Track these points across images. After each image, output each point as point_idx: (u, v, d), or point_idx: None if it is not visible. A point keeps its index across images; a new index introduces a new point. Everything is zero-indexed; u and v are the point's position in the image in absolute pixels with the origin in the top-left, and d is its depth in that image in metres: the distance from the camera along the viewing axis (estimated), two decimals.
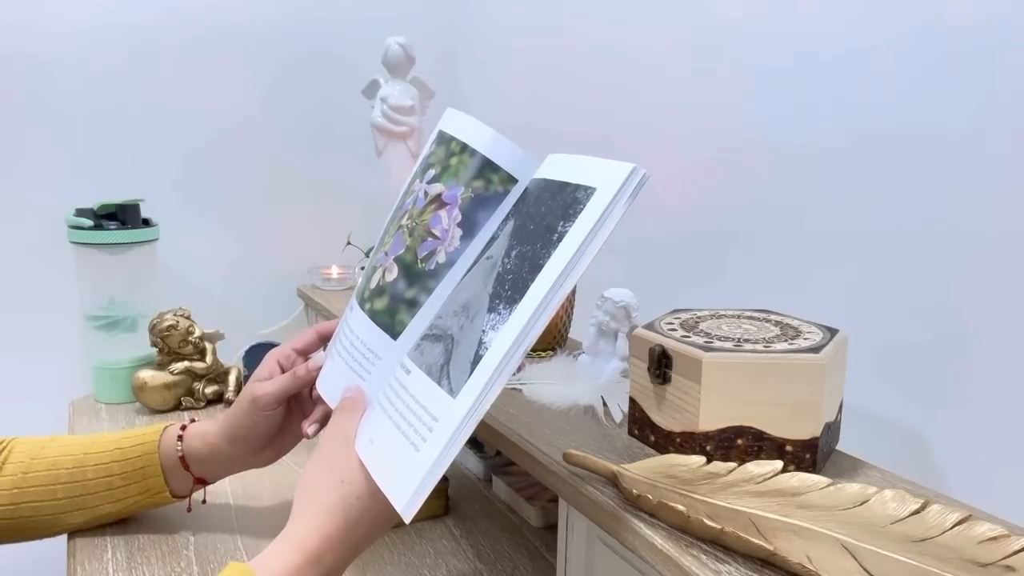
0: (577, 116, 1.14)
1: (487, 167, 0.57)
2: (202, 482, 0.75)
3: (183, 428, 0.74)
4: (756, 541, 0.47)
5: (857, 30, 0.73)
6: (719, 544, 0.49)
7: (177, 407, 1.10)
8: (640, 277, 1.02)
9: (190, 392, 1.11)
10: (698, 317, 0.68)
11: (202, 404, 1.11)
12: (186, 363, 1.10)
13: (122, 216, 1.12)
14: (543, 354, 0.89)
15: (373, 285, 0.61)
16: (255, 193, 1.38)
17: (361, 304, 0.62)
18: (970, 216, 0.65)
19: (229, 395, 1.13)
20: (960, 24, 0.64)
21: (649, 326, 0.65)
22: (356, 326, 0.61)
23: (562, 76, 1.18)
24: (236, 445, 0.71)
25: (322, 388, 0.64)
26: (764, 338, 0.61)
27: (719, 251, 0.91)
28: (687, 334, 0.62)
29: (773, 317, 0.67)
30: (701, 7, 0.91)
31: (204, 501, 0.79)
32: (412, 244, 0.59)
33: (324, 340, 0.70)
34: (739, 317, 0.67)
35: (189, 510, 0.76)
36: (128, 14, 1.24)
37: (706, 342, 0.59)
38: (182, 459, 0.72)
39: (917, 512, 0.46)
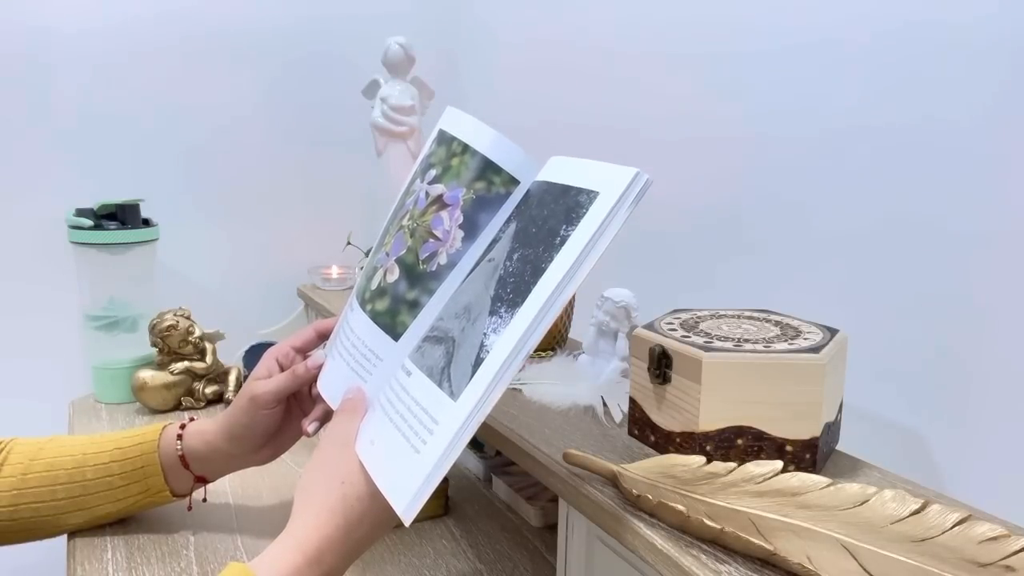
0: (577, 116, 1.14)
1: (489, 168, 0.57)
2: (202, 480, 0.75)
3: (182, 427, 0.74)
4: (756, 541, 0.47)
5: (856, 23, 0.73)
6: (719, 544, 0.49)
7: (177, 407, 1.11)
8: (640, 277, 1.02)
9: (190, 392, 1.11)
10: (698, 317, 0.68)
11: (202, 404, 1.12)
12: (186, 363, 1.10)
13: (122, 216, 1.12)
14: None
15: (374, 286, 0.60)
16: (255, 193, 1.38)
17: (362, 304, 0.62)
18: (970, 215, 0.65)
19: (229, 395, 1.13)
20: (963, 18, 0.64)
21: (649, 326, 0.65)
22: (357, 326, 0.61)
23: (562, 75, 1.18)
24: (235, 443, 0.71)
25: (322, 388, 0.64)
26: (764, 338, 0.61)
27: (719, 251, 0.91)
28: (687, 334, 0.62)
29: (773, 317, 0.67)
30: (701, 2, 0.91)
31: (204, 500, 0.79)
32: (414, 245, 0.58)
33: (323, 338, 0.70)
34: (739, 317, 0.67)
35: (190, 509, 0.76)
36: (128, 14, 1.24)
37: (706, 342, 0.59)
38: (182, 458, 0.72)
39: (917, 512, 0.46)
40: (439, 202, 0.58)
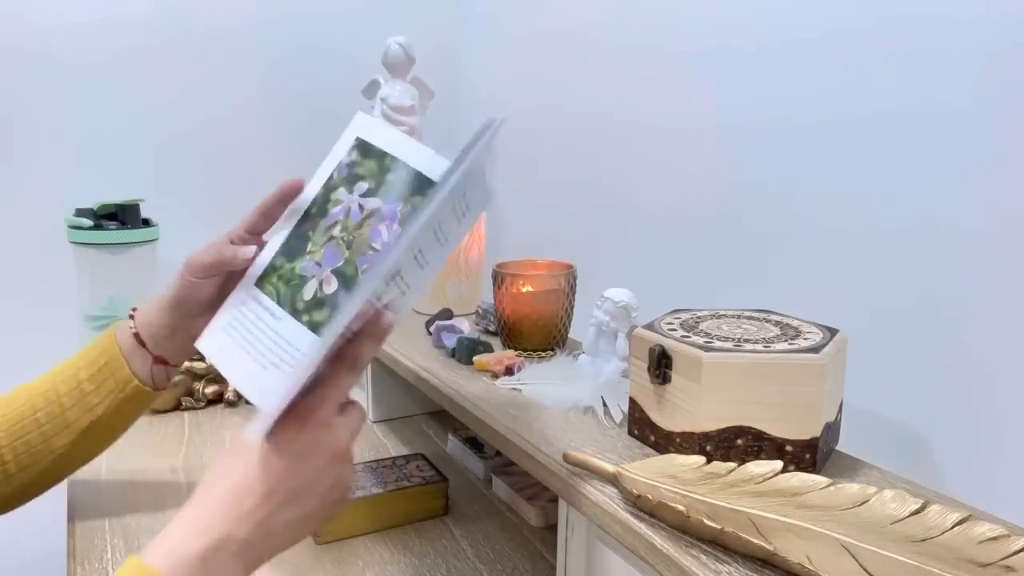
0: (578, 114, 1.14)
1: (426, 184, 0.61)
2: (163, 362, 0.74)
3: (135, 310, 0.75)
4: (756, 541, 0.47)
5: (858, 23, 0.73)
6: (719, 544, 0.49)
7: (177, 407, 1.10)
8: (640, 277, 1.02)
9: (190, 392, 1.11)
10: (698, 317, 0.68)
11: (202, 404, 1.11)
12: (186, 363, 1.10)
13: (122, 216, 1.12)
14: (543, 354, 0.89)
15: (309, 296, 0.62)
16: (255, 193, 1.37)
17: (296, 315, 0.62)
18: (970, 214, 0.65)
19: (229, 395, 1.13)
20: (965, 13, 0.64)
21: (649, 326, 0.65)
22: (293, 338, 0.61)
23: (563, 75, 1.18)
24: (175, 310, 0.71)
25: (253, 396, 0.62)
26: (764, 338, 0.61)
27: (719, 251, 0.91)
28: (687, 334, 0.62)
29: (773, 317, 0.67)
30: (704, 1, 0.91)
31: (174, 384, 0.76)
32: (351, 257, 0.61)
33: (269, 218, 0.70)
34: (739, 317, 0.67)
35: (155, 389, 0.75)
36: (129, 13, 1.24)
37: (706, 342, 0.60)
38: (136, 336, 0.73)
39: (917, 512, 0.46)
40: (376, 215, 0.62)
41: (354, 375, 0.53)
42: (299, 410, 0.51)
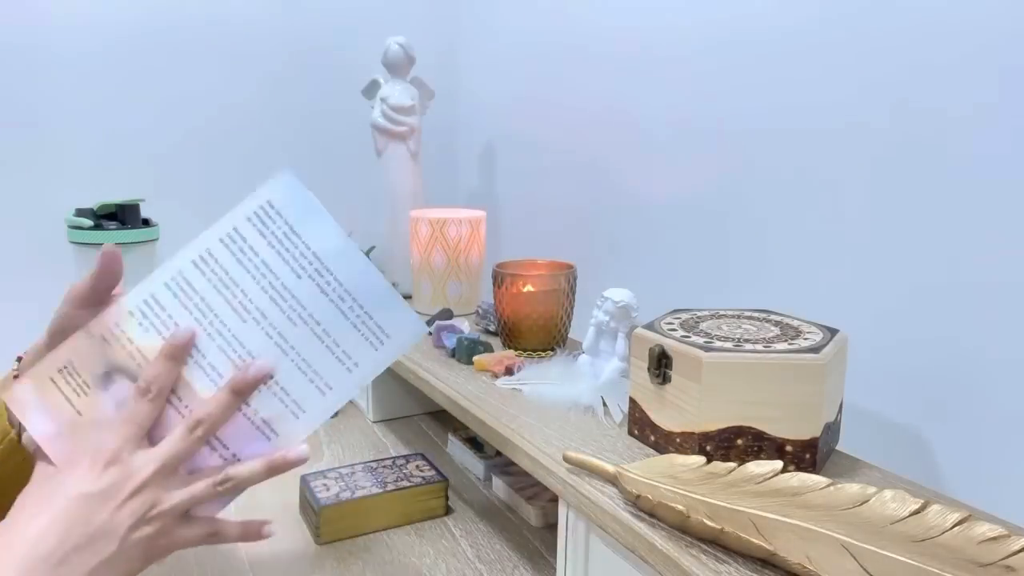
0: (578, 114, 1.14)
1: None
2: None
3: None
4: (756, 541, 0.47)
5: (860, 19, 0.73)
6: (719, 544, 0.49)
7: None
8: (640, 277, 1.02)
9: None
10: (698, 317, 0.68)
11: None
12: None
13: (122, 216, 1.13)
14: (543, 354, 0.89)
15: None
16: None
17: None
18: (969, 215, 0.65)
19: None
20: (972, 15, 0.64)
21: (649, 326, 0.65)
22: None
23: (562, 75, 1.18)
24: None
25: None
26: (764, 338, 0.61)
27: (719, 251, 0.91)
28: (687, 334, 0.62)
29: (773, 317, 0.67)
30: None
31: None
32: None
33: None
34: (739, 317, 0.67)
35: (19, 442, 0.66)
36: (131, 12, 1.24)
37: (706, 342, 0.60)
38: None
39: (917, 512, 0.46)
40: None
41: (144, 403, 0.51)
42: (94, 450, 0.50)
